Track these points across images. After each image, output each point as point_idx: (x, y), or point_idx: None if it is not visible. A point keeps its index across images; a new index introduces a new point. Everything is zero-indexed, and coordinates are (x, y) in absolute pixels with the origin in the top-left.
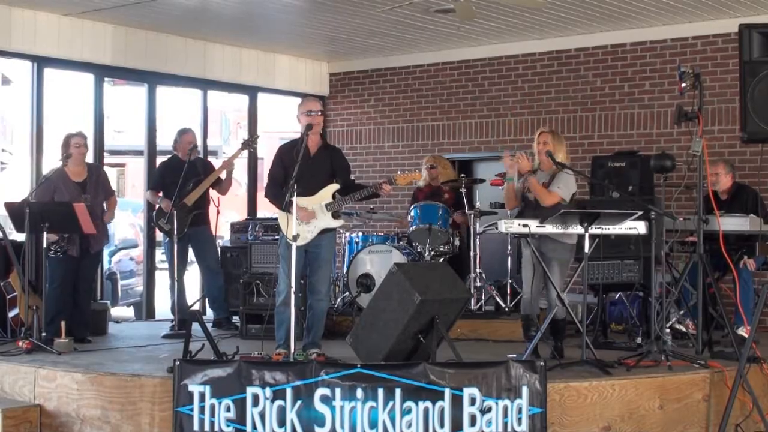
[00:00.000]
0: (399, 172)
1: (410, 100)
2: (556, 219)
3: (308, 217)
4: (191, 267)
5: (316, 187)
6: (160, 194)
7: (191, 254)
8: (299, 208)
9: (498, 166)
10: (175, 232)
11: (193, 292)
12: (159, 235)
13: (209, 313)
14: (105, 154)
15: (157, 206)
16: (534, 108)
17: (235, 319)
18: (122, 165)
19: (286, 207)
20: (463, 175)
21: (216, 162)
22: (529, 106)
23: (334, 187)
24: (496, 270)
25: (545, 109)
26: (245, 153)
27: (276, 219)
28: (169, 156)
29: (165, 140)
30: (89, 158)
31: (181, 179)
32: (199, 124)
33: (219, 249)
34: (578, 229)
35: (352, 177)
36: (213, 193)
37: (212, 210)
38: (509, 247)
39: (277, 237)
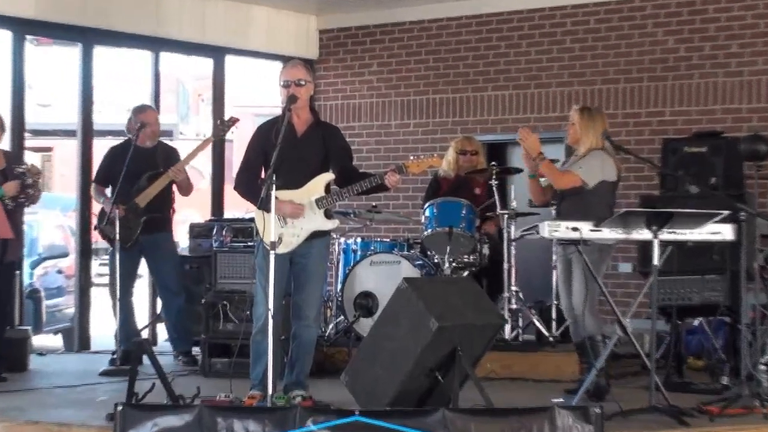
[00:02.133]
0: (411, 158)
1: (425, 66)
2: (616, 221)
3: (293, 216)
4: (140, 283)
5: (304, 178)
6: (108, 190)
7: (142, 266)
8: (281, 204)
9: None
10: (116, 238)
11: (142, 315)
12: (99, 241)
13: (161, 343)
14: (26, 135)
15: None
16: (586, 76)
17: (195, 350)
18: (48, 149)
19: (263, 203)
20: (493, 163)
21: (182, 147)
22: (580, 73)
23: (328, 177)
24: (537, 287)
25: (601, 78)
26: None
27: (250, 219)
28: (122, 140)
29: (105, 117)
30: (4, 143)
31: (124, 171)
32: (149, 95)
33: (180, 261)
34: (644, 234)
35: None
36: (203, 183)
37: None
38: (555, 258)
39: (251, 243)
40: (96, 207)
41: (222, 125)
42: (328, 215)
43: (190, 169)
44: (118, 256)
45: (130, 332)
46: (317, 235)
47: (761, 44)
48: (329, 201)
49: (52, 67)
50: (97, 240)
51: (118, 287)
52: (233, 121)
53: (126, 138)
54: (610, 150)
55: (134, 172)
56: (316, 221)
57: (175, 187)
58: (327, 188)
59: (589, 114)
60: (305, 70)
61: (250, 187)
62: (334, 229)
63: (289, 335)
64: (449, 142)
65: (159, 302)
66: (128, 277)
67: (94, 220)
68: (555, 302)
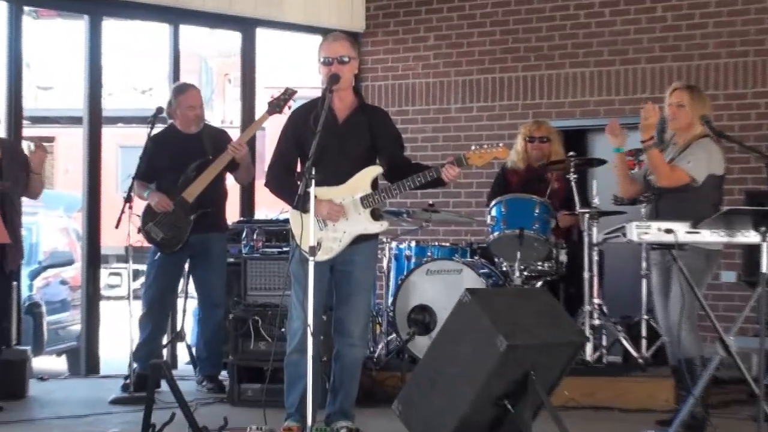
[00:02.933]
0: (473, 148)
1: (490, 39)
2: (717, 221)
3: (335, 217)
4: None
5: (347, 172)
6: (152, 185)
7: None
8: (321, 204)
9: (628, 140)
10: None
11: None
12: (107, 245)
13: (181, 366)
14: (24, 122)
15: (146, 203)
16: (681, 50)
17: (223, 375)
18: (50, 139)
19: (299, 203)
20: (571, 153)
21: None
22: (673, 47)
23: (375, 171)
24: (624, 300)
25: (698, 52)
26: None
27: (285, 221)
28: (163, 127)
29: (115, 101)
30: None
31: (168, 161)
32: (166, 76)
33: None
34: (750, 237)
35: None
36: (230, 181)
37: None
38: (644, 265)
39: (286, 249)
40: (138, 206)
41: (278, 99)
42: (376, 216)
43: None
44: (160, 264)
45: (152, 351)
46: (363, 239)
47: None
48: (377, 199)
49: (55, 43)
50: (143, 245)
51: (148, 297)
52: (291, 93)
53: (168, 124)
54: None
55: (181, 163)
56: (361, 223)
57: (227, 178)
58: (374, 184)
59: (699, 94)
60: (349, 45)
61: (283, 183)
62: (383, 231)
63: (330, 356)
64: (519, 128)
65: (180, 317)
66: (170, 287)
67: (136, 221)
68: (645, 317)
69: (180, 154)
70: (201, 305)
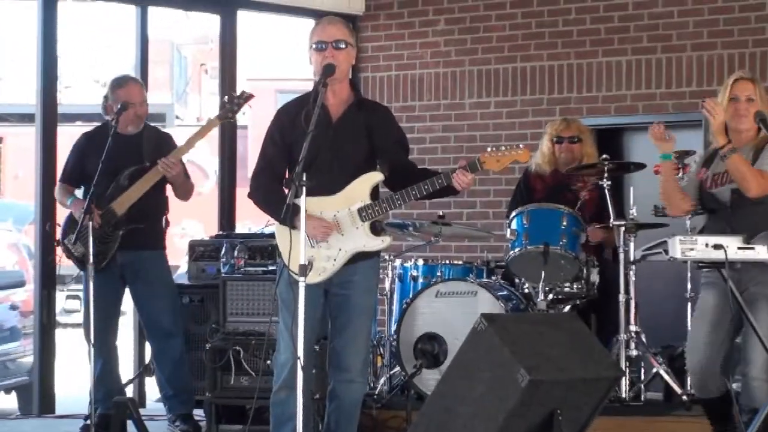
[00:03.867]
0: (489, 150)
1: (510, 23)
2: None
3: (323, 237)
4: (125, 321)
5: (343, 180)
6: (78, 191)
7: (126, 296)
8: (309, 220)
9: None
10: (89, 260)
11: (126, 366)
12: (68, 264)
13: (150, 404)
14: None
15: (68, 212)
16: (733, 36)
17: (198, 413)
18: None
19: (288, 215)
20: (605, 156)
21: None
22: (724, 32)
23: (374, 178)
24: (666, 327)
25: (753, 37)
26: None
27: (271, 235)
28: (97, 125)
29: (74, 95)
30: None
31: (100, 166)
32: (132, 66)
33: (176, 292)
34: None
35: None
36: (204, 187)
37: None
38: (690, 286)
39: (272, 268)
40: (61, 215)
41: (231, 103)
42: (376, 230)
43: (190, 165)
44: (91, 284)
45: (111, 389)
46: (361, 258)
47: None
48: (377, 211)
49: (2, 28)
50: (61, 261)
51: (92, 326)
52: (247, 97)
53: (103, 122)
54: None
55: (114, 168)
56: (360, 239)
57: (170, 189)
58: (374, 193)
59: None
60: (346, 30)
61: (269, 195)
62: (385, 248)
63: (325, 393)
64: (544, 127)
65: (148, 349)
66: (108, 311)
67: (58, 233)
68: None
69: (113, 157)
70: (150, 338)
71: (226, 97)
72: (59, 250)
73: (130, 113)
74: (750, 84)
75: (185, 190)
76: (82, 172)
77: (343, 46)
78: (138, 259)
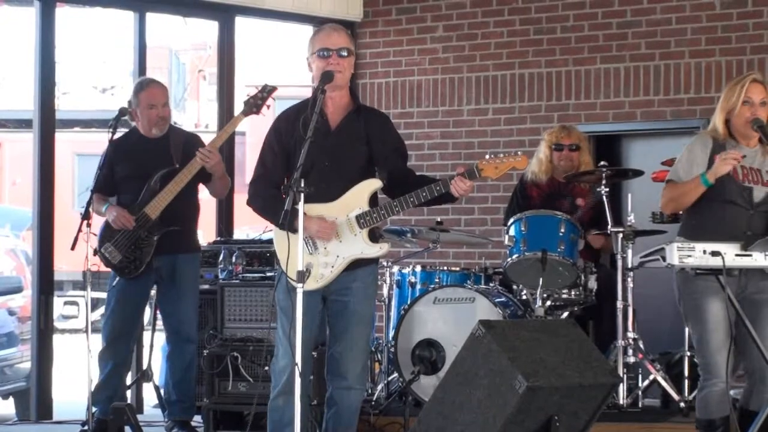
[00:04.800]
0: (487, 157)
1: (508, 29)
2: None
3: (326, 237)
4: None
5: (341, 187)
6: (112, 199)
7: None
8: (310, 221)
9: (669, 147)
10: (89, 263)
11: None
12: (61, 270)
13: (147, 410)
14: None
15: (103, 220)
16: (731, 42)
17: (197, 420)
18: None
19: (286, 220)
20: (603, 163)
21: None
22: (723, 39)
23: (372, 185)
24: (663, 334)
25: (751, 44)
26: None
27: (269, 241)
28: (124, 132)
29: (71, 101)
30: None
31: (129, 171)
32: (130, 72)
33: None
34: None
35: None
36: (204, 192)
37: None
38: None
39: (270, 273)
40: (96, 223)
41: (255, 98)
42: (375, 237)
43: None
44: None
45: (114, 393)
46: (359, 264)
47: None
48: (375, 218)
49: (1, 34)
50: (99, 268)
51: (107, 330)
52: (270, 90)
53: (131, 128)
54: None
55: (144, 172)
56: (357, 246)
57: (200, 190)
58: (372, 200)
59: None
60: (347, 37)
61: (268, 201)
62: (384, 255)
63: (322, 400)
64: (542, 133)
65: (146, 353)
66: (133, 318)
67: (93, 241)
68: (688, 353)
69: (143, 162)
70: (169, 340)
71: (250, 92)
72: (96, 258)
73: (152, 114)
74: (763, 87)
75: (223, 185)
76: (113, 180)
77: (345, 54)
78: (173, 262)
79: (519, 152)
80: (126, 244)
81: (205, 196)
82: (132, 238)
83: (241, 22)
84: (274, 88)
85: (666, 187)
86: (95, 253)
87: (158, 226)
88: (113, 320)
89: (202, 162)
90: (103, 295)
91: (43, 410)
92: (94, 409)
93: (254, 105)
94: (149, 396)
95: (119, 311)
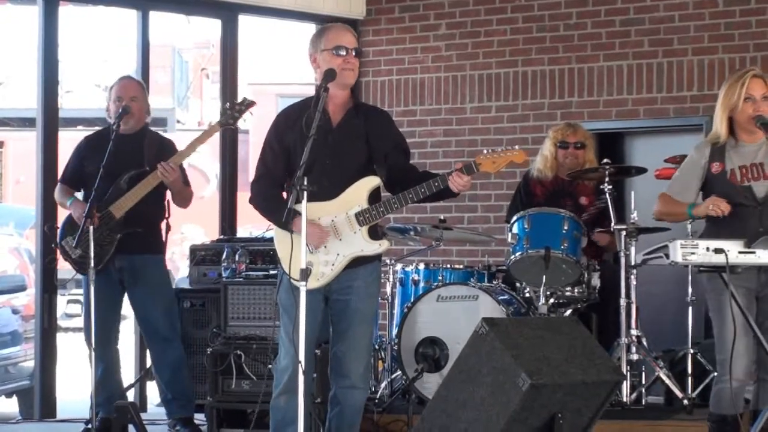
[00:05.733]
0: (485, 152)
1: (511, 27)
2: None
3: (317, 243)
4: (126, 325)
5: (341, 184)
6: (78, 194)
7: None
8: (312, 224)
9: (672, 145)
10: (92, 263)
11: (127, 370)
12: (66, 268)
13: (151, 409)
14: None
15: (67, 213)
16: (734, 40)
17: (199, 418)
18: None
19: (289, 218)
20: (606, 161)
21: (180, 139)
22: (726, 36)
23: (372, 182)
24: (666, 331)
25: (753, 42)
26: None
27: (272, 240)
28: (100, 128)
29: (75, 100)
30: None
31: (102, 169)
32: (133, 70)
33: (174, 297)
34: None
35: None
36: (204, 192)
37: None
38: (691, 290)
39: (273, 272)
40: (61, 217)
41: (233, 110)
42: (375, 234)
43: (191, 169)
44: (92, 288)
45: (112, 394)
46: (361, 262)
47: None
48: (374, 215)
49: (3, 33)
50: (58, 264)
51: (93, 330)
52: (248, 104)
53: (106, 125)
54: None
55: (114, 170)
56: (357, 243)
57: (169, 194)
58: (372, 197)
59: None
60: (352, 36)
61: (271, 201)
62: (384, 252)
63: (326, 398)
64: (546, 131)
65: (149, 353)
66: (108, 316)
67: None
68: (691, 351)
69: (114, 159)
70: (149, 343)
71: (228, 103)
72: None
73: (115, 107)
74: (763, 82)
75: (183, 197)
76: (81, 174)
77: (353, 53)
78: (136, 264)
79: (516, 147)
80: (88, 240)
81: (207, 196)
82: (94, 235)
83: (244, 21)
84: (252, 103)
85: (660, 197)
86: (55, 246)
87: (121, 226)
88: (92, 321)
89: (161, 177)
90: None
91: (47, 409)
92: (97, 408)
93: (231, 117)
94: (153, 394)
95: (97, 311)
